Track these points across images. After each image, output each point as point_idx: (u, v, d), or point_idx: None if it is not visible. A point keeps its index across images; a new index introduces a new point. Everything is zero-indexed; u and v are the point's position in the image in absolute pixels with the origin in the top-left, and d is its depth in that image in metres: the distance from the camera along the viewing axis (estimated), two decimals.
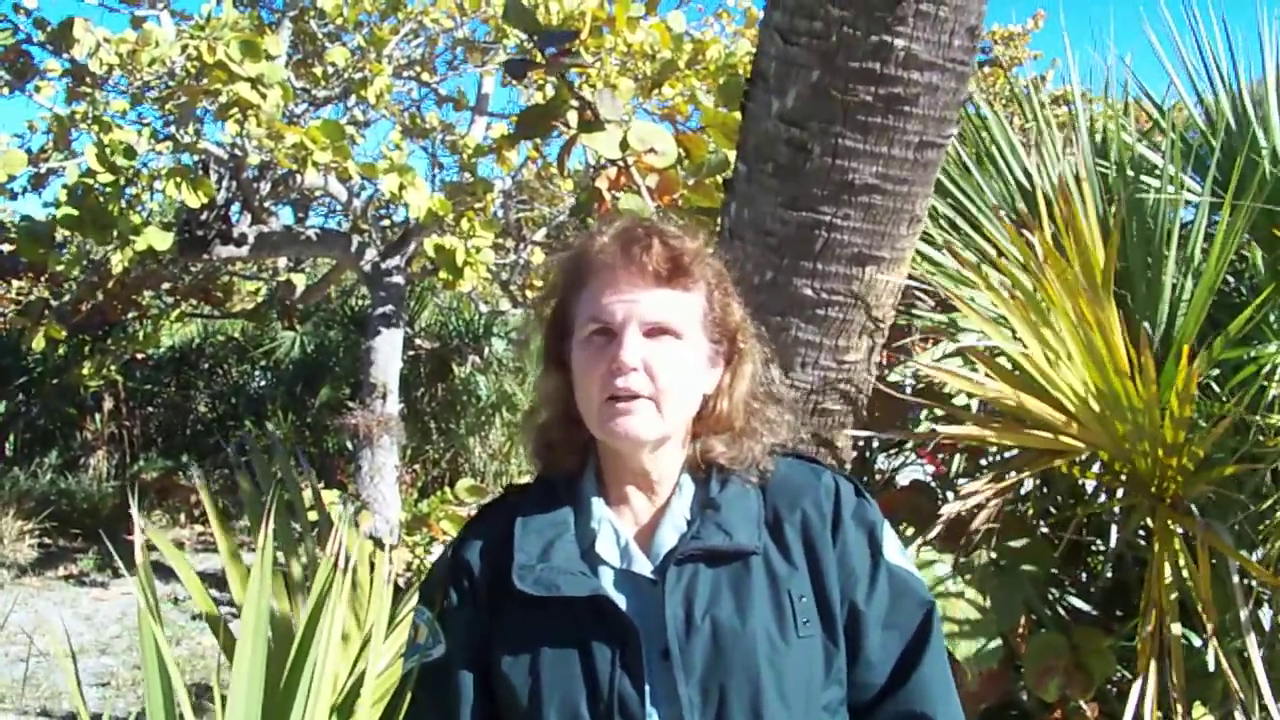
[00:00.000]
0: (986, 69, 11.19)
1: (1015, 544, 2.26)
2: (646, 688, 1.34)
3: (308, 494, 2.39)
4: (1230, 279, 2.55)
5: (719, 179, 2.77)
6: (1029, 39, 12.66)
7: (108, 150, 5.39)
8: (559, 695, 1.36)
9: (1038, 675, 2.13)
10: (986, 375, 2.21)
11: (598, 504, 1.46)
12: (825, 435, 2.12)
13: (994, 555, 2.22)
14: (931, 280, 2.31)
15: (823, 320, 2.03)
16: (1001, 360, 2.27)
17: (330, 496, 5.41)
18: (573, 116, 2.72)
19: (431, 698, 1.47)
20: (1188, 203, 2.63)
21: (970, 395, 2.36)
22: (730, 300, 1.50)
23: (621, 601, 1.38)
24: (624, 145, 2.68)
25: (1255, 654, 1.99)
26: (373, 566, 2.24)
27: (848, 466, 2.17)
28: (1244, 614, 2.04)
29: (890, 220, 1.98)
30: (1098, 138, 2.82)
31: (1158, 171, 2.64)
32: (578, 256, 1.49)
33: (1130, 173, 2.50)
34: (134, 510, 1.54)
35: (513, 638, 1.41)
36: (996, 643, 2.14)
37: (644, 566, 1.41)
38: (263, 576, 1.58)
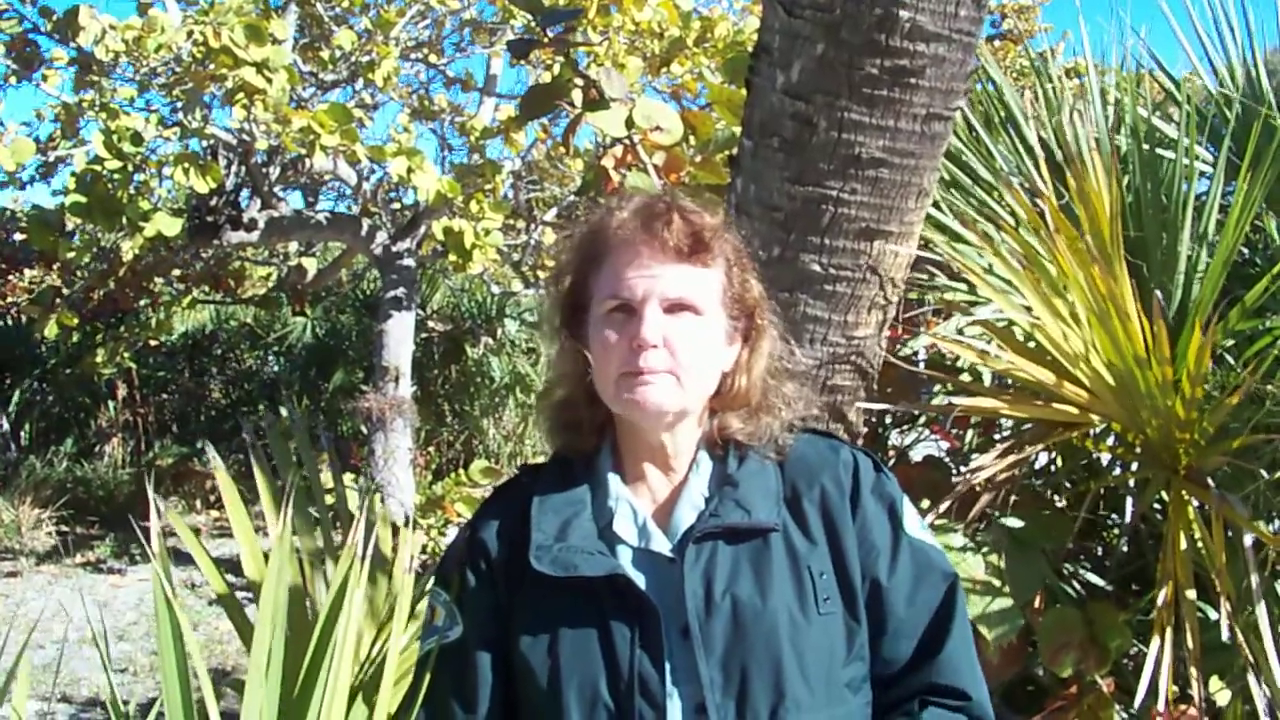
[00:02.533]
0: (998, 42, 11.11)
1: (1031, 518, 2.25)
2: (667, 667, 1.34)
3: (325, 478, 2.39)
4: (1244, 250, 2.53)
5: (726, 155, 2.75)
6: (1039, 11, 12.55)
7: (115, 137, 5.39)
8: (578, 676, 1.35)
9: (1052, 651, 2.12)
10: (999, 347, 2.20)
11: (615, 482, 1.45)
12: (837, 410, 2.11)
13: (1009, 527, 2.21)
14: (941, 250, 2.29)
15: (831, 295, 2.01)
16: (1015, 332, 2.26)
17: (345, 481, 5.43)
18: (577, 95, 2.70)
19: (449, 679, 1.46)
20: (1202, 173, 2.60)
21: (983, 368, 2.35)
22: (749, 276, 1.49)
23: (640, 580, 1.38)
24: (629, 123, 2.66)
25: (1265, 624, 1.97)
26: (394, 549, 2.24)
27: (860, 442, 2.16)
28: (1254, 581, 2.02)
29: (898, 194, 1.96)
30: (1110, 108, 2.79)
31: (1171, 141, 2.61)
32: (595, 232, 1.47)
33: (1144, 143, 2.47)
34: (150, 496, 1.54)
35: (531, 619, 1.41)
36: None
37: (662, 545, 1.41)
38: (281, 558, 1.58)
